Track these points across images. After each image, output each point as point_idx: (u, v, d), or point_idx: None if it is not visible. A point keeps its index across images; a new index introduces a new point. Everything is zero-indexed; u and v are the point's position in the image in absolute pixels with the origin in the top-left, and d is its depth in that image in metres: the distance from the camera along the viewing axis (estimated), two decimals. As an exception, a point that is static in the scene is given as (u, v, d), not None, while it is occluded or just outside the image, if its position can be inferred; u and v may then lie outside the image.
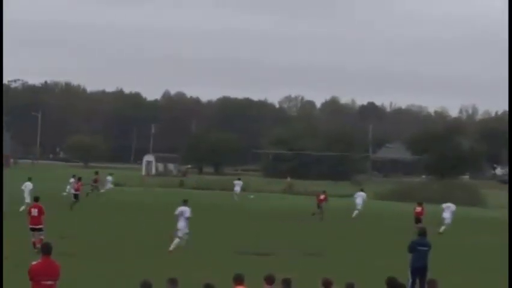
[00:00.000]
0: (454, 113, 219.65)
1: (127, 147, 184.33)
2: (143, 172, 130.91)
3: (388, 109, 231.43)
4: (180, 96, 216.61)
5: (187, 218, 32.74)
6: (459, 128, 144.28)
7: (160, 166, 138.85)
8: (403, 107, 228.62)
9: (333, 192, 75.82)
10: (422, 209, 46.66)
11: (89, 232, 38.72)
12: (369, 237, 43.03)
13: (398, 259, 28.13)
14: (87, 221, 44.94)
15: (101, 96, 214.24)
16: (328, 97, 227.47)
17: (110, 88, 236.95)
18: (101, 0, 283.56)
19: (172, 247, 32.13)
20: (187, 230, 32.56)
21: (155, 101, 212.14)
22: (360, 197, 57.60)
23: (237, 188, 73.88)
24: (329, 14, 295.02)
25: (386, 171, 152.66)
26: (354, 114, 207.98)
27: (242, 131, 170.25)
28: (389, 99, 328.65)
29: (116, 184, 79.12)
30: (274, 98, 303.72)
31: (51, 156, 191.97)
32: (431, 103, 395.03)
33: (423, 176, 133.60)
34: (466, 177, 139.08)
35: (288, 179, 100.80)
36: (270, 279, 15.46)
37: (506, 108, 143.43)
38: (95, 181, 67.71)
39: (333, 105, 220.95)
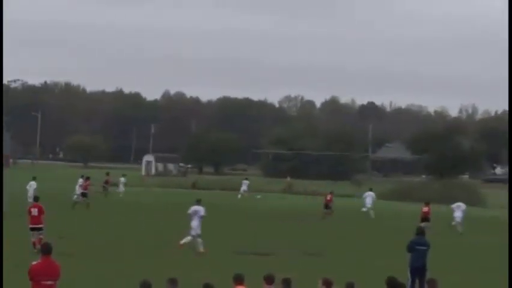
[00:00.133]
0: (453, 112, 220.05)
1: (127, 147, 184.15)
2: (143, 172, 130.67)
3: (388, 109, 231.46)
4: (180, 96, 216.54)
5: (201, 217, 32.87)
6: (459, 127, 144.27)
7: (160, 166, 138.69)
8: (403, 106, 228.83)
9: (333, 192, 75.61)
10: (429, 209, 47.01)
11: (88, 232, 38.70)
12: (369, 237, 43.02)
13: (398, 259, 28.11)
14: (86, 221, 44.91)
15: (101, 96, 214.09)
16: (328, 97, 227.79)
17: (110, 88, 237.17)
18: (101, 0, 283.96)
19: (183, 241, 32.51)
20: (199, 231, 32.62)
21: (155, 101, 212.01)
22: (369, 197, 58.05)
23: (244, 188, 75.69)
24: (329, 14, 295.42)
25: (385, 171, 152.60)
26: (354, 114, 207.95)
27: (242, 131, 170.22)
28: (389, 99, 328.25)
29: (115, 184, 78.93)
30: (274, 98, 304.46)
31: (51, 156, 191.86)
32: (431, 103, 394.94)
33: (423, 176, 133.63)
34: (466, 176, 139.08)
35: (288, 179, 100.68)
36: (269, 279, 15.46)
37: (506, 107, 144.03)
38: (107, 182, 67.58)
39: (333, 105, 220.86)
